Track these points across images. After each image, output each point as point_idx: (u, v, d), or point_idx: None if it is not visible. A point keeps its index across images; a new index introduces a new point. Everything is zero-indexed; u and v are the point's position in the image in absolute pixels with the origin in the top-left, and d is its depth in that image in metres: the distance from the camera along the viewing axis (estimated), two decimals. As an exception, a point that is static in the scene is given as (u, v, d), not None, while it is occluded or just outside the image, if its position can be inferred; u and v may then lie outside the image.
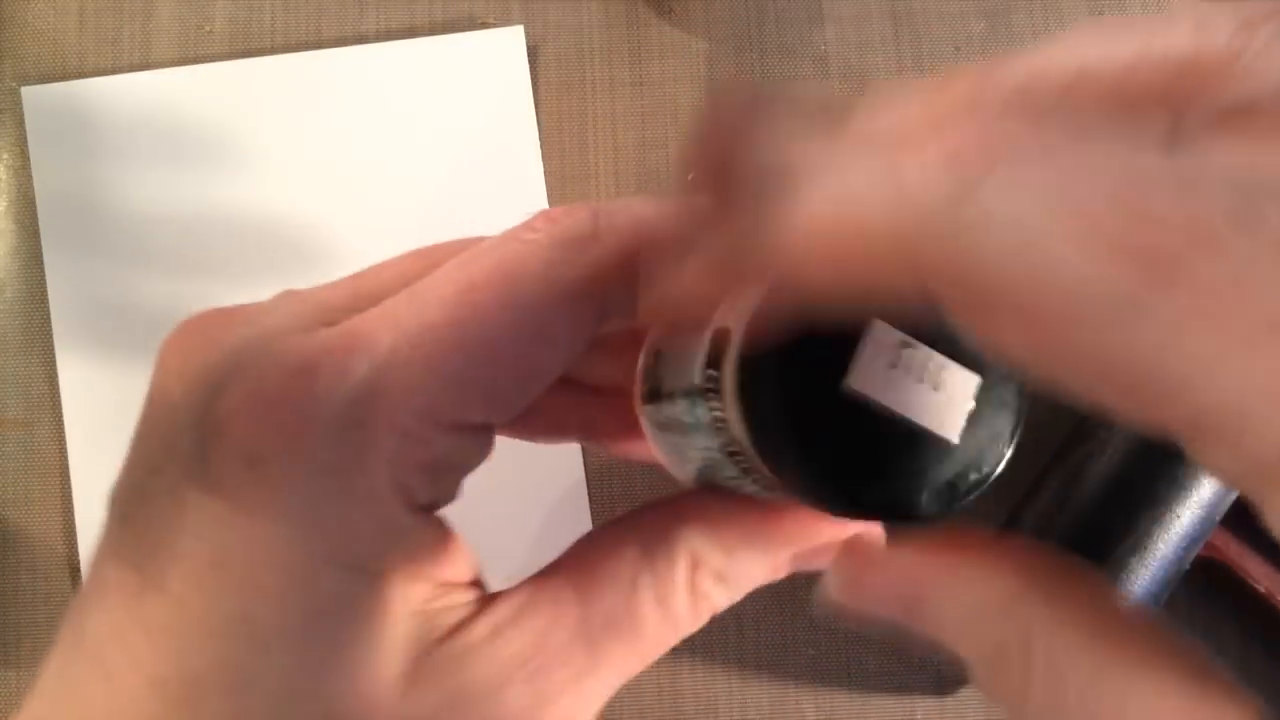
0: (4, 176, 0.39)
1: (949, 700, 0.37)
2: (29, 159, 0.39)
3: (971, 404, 0.16)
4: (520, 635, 0.18)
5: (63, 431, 0.38)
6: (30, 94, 0.39)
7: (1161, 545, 0.32)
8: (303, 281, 0.21)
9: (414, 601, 0.18)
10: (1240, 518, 0.34)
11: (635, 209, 0.18)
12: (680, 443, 0.19)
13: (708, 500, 0.19)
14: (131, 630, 0.17)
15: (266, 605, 0.17)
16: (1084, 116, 0.12)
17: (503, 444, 0.20)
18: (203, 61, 0.39)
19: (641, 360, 0.20)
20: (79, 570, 0.37)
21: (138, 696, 0.17)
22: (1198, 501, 0.32)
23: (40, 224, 0.38)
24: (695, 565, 0.19)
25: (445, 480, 0.18)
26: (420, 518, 0.18)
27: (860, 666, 0.37)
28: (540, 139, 0.39)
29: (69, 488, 0.37)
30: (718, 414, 0.17)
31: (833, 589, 0.17)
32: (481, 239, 0.19)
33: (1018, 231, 0.10)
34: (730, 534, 0.19)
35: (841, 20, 0.40)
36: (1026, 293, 0.10)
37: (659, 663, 0.38)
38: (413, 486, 0.17)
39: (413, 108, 0.39)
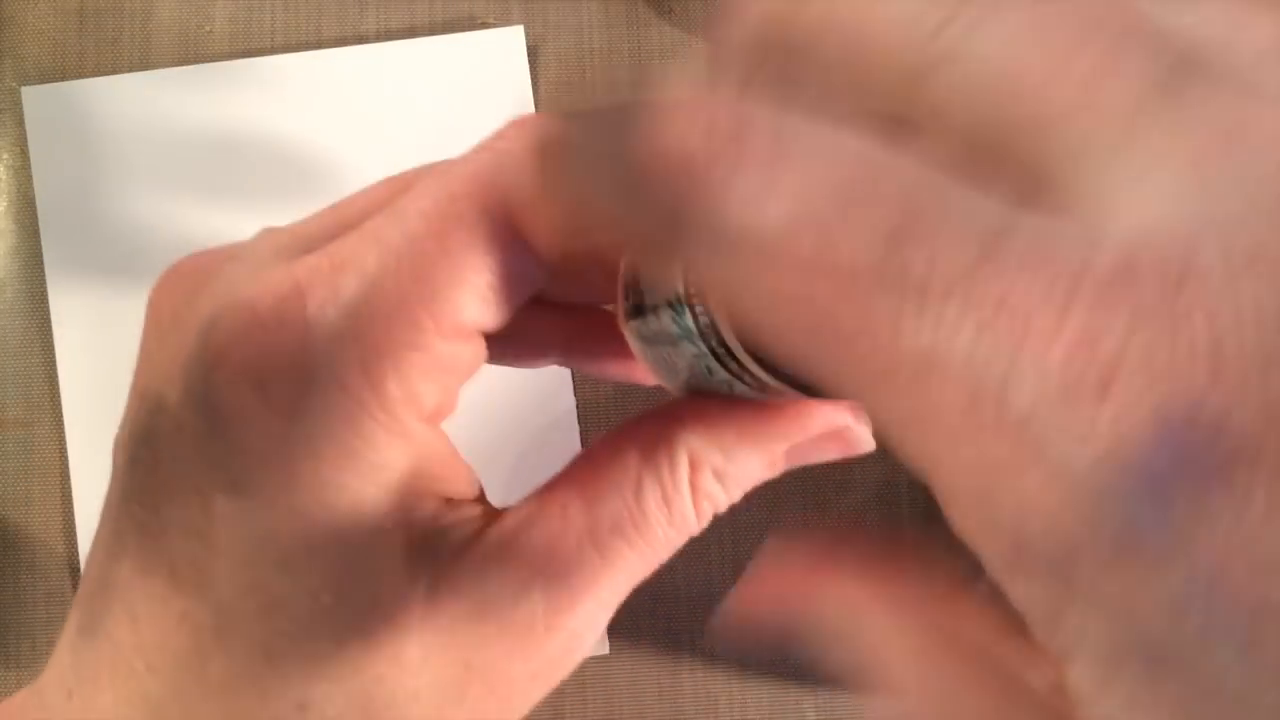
0: (4, 176, 0.39)
1: (949, 700, 0.37)
2: (29, 159, 0.39)
3: None
4: (532, 543, 0.18)
5: (63, 431, 0.38)
6: (30, 94, 0.39)
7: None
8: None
9: (428, 520, 0.18)
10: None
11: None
12: (668, 354, 0.19)
13: (703, 404, 0.20)
14: (154, 569, 0.18)
15: (285, 523, 0.17)
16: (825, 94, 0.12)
17: (493, 375, 0.20)
18: (203, 61, 0.39)
19: (621, 275, 0.21)
20: (79, 570, 0.37)
21: (166, 632, 0.17)
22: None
23: (40, 224, 0.38)
24: (695, 466, 0.19)
25: (447, 387, 0.18)
26: (428, 425, 0.18)
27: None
28: (540, 139, 0.39)
29: (69, 488, 0.37)
30: (704, 319, 0.17)
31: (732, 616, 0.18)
32: (449, 161, 0.19)
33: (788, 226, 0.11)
34: (727, 433, 0.19)
35: (841, 20, 0.40)
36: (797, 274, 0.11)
37: (659, 663, 0.38)
38: (418, 393, 0.17)
39: (413, 108, 0.39)
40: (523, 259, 0.18)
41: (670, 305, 0.18)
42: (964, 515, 0.11)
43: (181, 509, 0.18)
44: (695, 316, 0.17)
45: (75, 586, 0.37)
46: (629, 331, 0.21)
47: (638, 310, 0.20)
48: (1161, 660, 0.10)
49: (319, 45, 0.40)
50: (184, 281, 0.20)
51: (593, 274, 0.21)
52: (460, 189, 0.18)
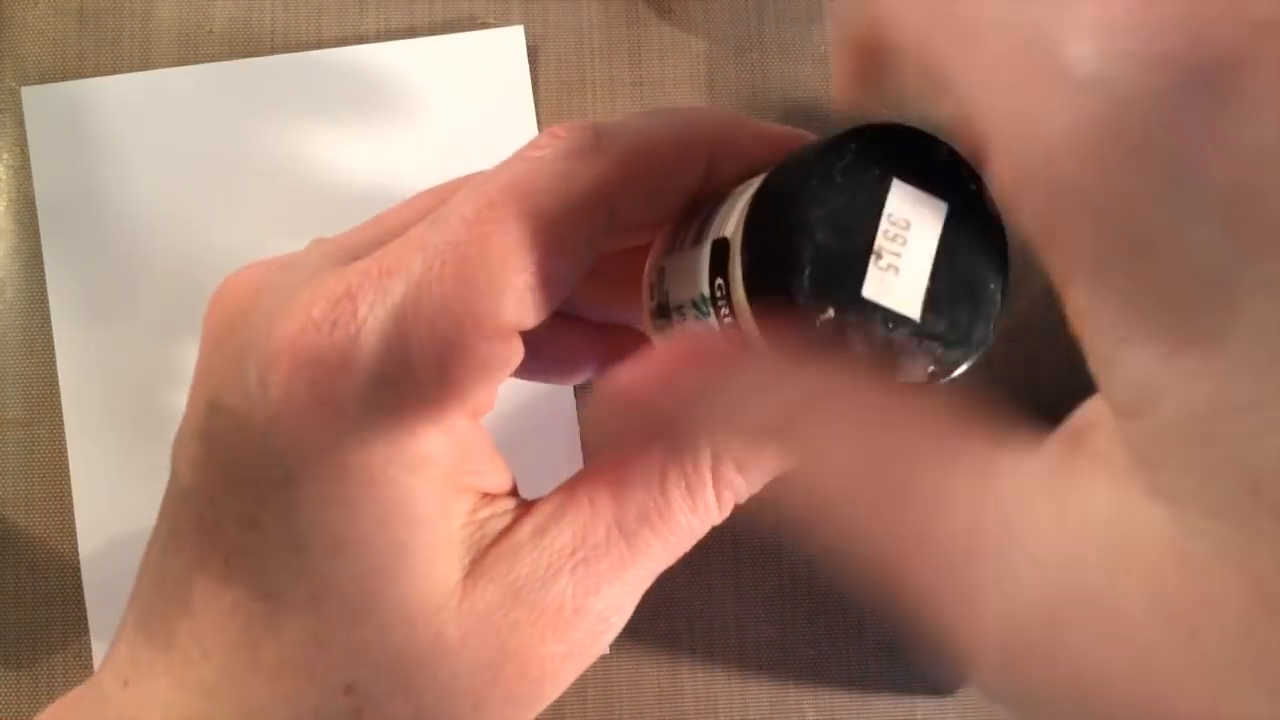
0: (4, 176, 0.39)
1: (949, 700, 0.37)
2: (29, 159, 0.39)
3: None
4: (562, 532, 0.19)
5: (63, 431, 0.38)
6: (30, 94, 0.39)
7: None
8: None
9: (465, 512, 0.19)
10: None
11: (635, 123, 0.20)
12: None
13: None
14: (209, 560, 0.19)
15: (336, 513, 0.18)
16: None
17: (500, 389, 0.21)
18: (203, 61, 0.39)
19: (646, 277, 0.22)
20: (79, 570, 0.37)
21: (220, 619, 0.18)
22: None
23: (40, 224, 0.38)
24: (718, 457, 0.20)
25: (488, 384, 0.19)
26: (470, 421, 0.19)
27: (860, 666, 0.37)
28: (540, 139, 0.39)
29: (69, 488, 0.37)
30: (728, 320, 0.18)
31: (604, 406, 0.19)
32: (486, 171, 0.20)
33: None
34: None
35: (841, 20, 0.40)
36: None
37: (659, 663, 0.38)
38: (462, 391, 0.18)
39: (413, 108, 0.39)
40: (557, 261, 0.19)
41: (694, 304, 0.19)
42: (1002, 154, 0.13)
43: (238, 502, 0.18)
44: (719, 314, 0.18)
45: (75, 586, 0.37)
46: (652, 330, 0.21)
47: (662, 310, 0.21)
48: (1147, 246, 0.11)
49: (319, 45, 0.40)
50: (237, 293, 0.21)
51: (622, 280, 0.23)
52: (499, 196, 0.19)
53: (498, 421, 0.29)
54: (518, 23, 0.40)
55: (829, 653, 0.37)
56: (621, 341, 0.26)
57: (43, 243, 0.38)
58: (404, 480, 0.18)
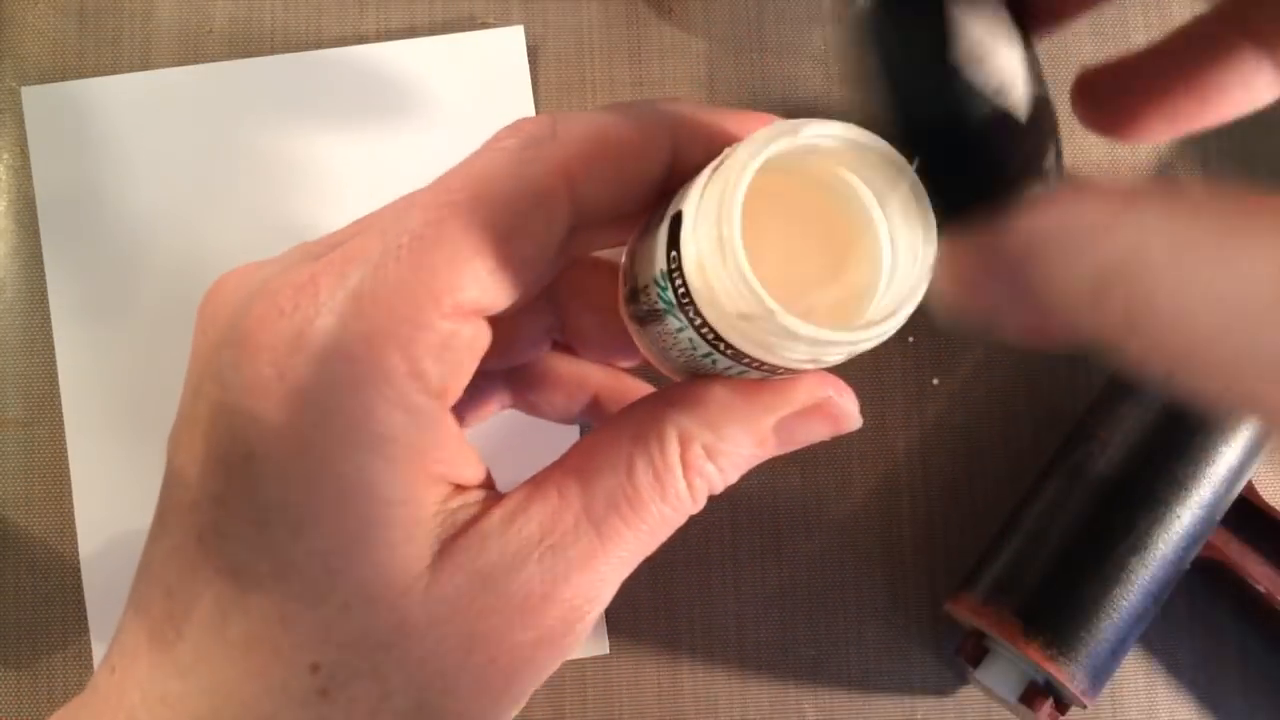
0: (4, 176, 0.39)
1: (949, 700, 0.37)
2: (29, 159, 0.39)
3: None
4: (530, 520, 0.19)
5: (63, 431, 0.37)
6: (30, 94, 0.39)
7: (1161, 545, 0.32)
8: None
9: (434, 500, 0.19)
10: (1240, 518, 0.34)
11: (593, 112, 0.20)
12: (660, 333, 0.20)
13: (691, 387, 0.21)
14: (185, 541, 0.19)
15: (296, 489, 0.18)
16: None
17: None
18: (203, 61, 0.39)
19: (621, 266, 0.22)
20: (79, 570, 0.37)
21: (193, 598, 0.19)
22: (1198, 501, 0.32)
23: (40, 224, 0.38)
24: (685, 443, 0.20)
25: (453, 365, 0.19)
26: (433, 403, 0.19)
27: (860, 666, 0.37)
28: (540, 139, 0.39)
29: (69, 488, 0.37)
30: (682, 290, 0.18)
31: (948, 292, 0.18)
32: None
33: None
34: (714, 410, 0.20)
35: (842, 20, 0.40)
36: None
37: (659, 662, 0.38)
38: (423, 369, 0.19)
39: (413, 108, 0.39)
40: (519, 243, 0.19)
41: (655, 281, 0.19)
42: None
43: (211, 480, 0.19)
44: (675, 289, 0.18)
45: (75, 586, 0.37)
46: (627, 317, 0.22)
47: (632, 295, 0.21)
48: None
49: (319, 45, 0.40)
50: (223, 288, 0.21)
51: (617, 316, 0.23)
52: (456, 184, 0.19)
53: (500, 427, 0.30)
54: (518, 23, 0.40)
55: (829, 653, 0.37)
56: (621, 384, 0.26)
57: (43, 243, 0.38)
58: (362, 458, 0.18)
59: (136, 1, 0.40)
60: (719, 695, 0.37)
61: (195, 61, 0.39)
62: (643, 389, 0.27)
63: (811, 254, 0.20)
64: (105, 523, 0.37)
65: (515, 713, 0.20)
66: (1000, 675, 0.33)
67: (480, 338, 0.20)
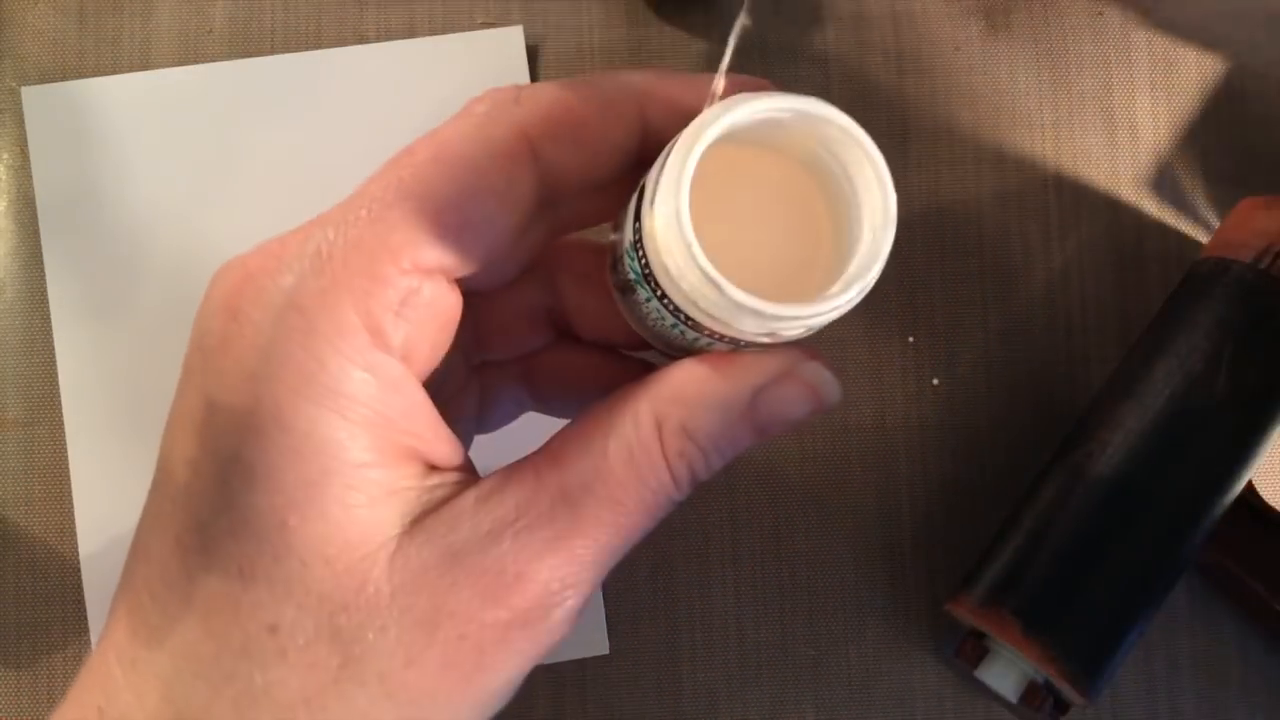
0: (4, 176, 0.39)
1: (949, 700, 0.37)
2: (29, 159, 0.39)
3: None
4: (504, 501, 0.19)
5: (63, 431, 0.38)
6: (30, 94, 0.39)
7: (1161, 545, 0.32)
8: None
9: (407, 474, 0.19)
10: (1240, 518, 0.34)
11: (558, 82, 0.21)
12: (634, 303, 0.20)
13: (666, 367, 0.21)
14: (161, 500, 0.19)
15: (250, 441, 0.18)
16: None
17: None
18: (203, 61, 0.39)
19: (609, 238, 0.22)
20: (79, 570, 0.37)
21: (165, 558, 0.19)
22: (1198, 501, 0.32)
23: (40, 224, 0.38)
24: (661, 421, 0.20)
25: (416, 324, 0.19)
26: (394, 363, 0.19)
27: (860, 666, 0.37)
28: (540, 139, 0.39)
29: (69, 488, 0.37)
30: (644, 262, 0.18)
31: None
32: None
33: None
34: (686, 385, 0.20)
35: (841, 20, 0.40)
36: None
37: (659, 661, 0.38)
38: (379, 323, 0.19)
39: (413, 108, 0.39)
40: (481, 203, 0.19)
41: (627, 252, 0.19)
42: None
43: (183, 441, 0.19)
44: (639, 261, 0.19)
45: (75, 586, 0.37)
46: (611, 287, 0.22)
47: (613, 263, 0.21)
48: None
49: (319, 45, 0.40)
50: (222, 269, 0.21)
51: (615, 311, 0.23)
52: (419, 146, 0.20)
53: (502, 435, 0.29)
54: (518, 23, 0.40)
55: (829, 653, 0.37)
56: (629, 372, 0.26)
57: (43, 243, 0.38)
58: (314, 411, 0.18)
59: (136, 1, 0.40)
60: (719, 695, 0.37)
61: (195, 61, 0.39)
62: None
63: (774, 227, 0.20)
64: (105, 523, 0.37)
65: (494, 705, 0.20)
66: (1000, 675, 0.33)
67: (444, 300, 0.20)
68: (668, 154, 0.18)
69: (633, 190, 0.20)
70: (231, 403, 0.18)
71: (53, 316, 0.38)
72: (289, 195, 0.39)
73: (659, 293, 0.18)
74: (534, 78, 0.39)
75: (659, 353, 0.23)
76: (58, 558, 0.37)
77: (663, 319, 0.19)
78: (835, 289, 0.18)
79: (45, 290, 0.38)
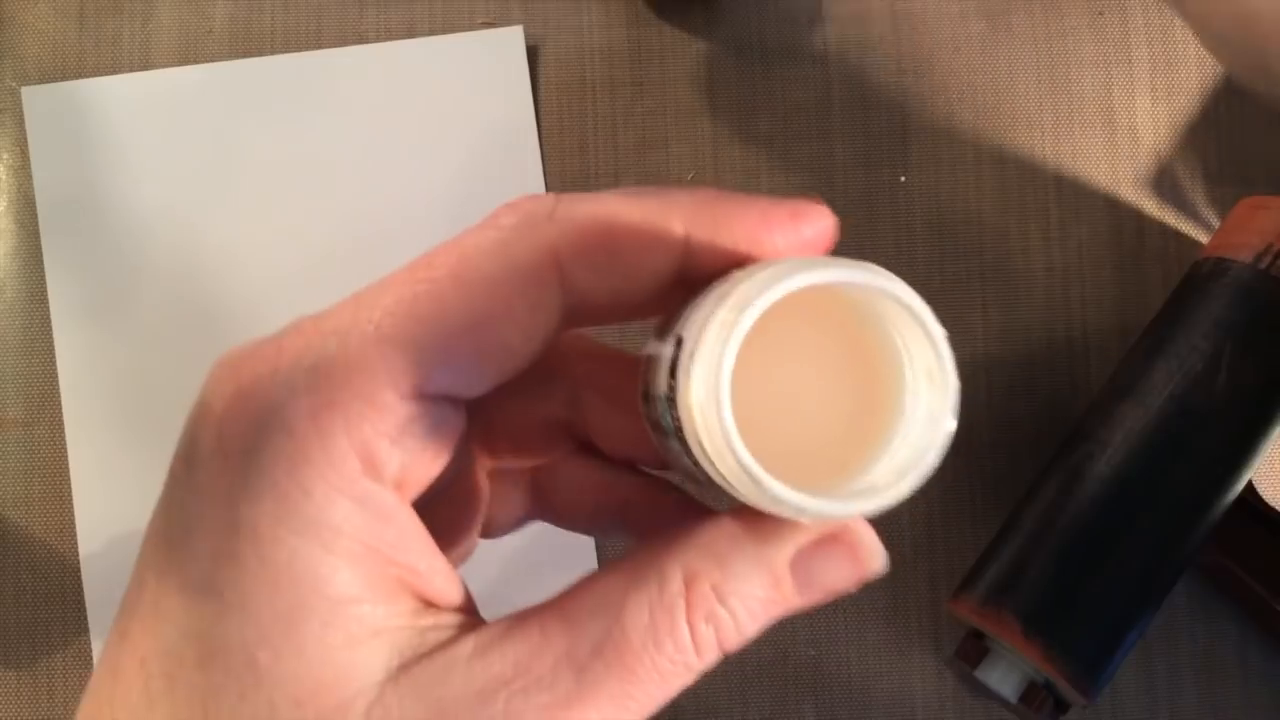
0: (4, 176, 0.39)
1: (949, 700, 0.37)
2: (29, 159, 0.39)
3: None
4: (504, 657, 0.17)
5: (63, 431, 0.38)
6: (30, 94, 0.39)
7: (1161, 545, 0.32)
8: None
9: (397, 612, 0.18)
10: (1240, 518, 0.34)
11: (599, 195, 0.19)
12: (667, 444, 0.19)
13: (697, 524, 0.19)
14: (134, 611, 0.18)
15: (225, 569, 0.17)
16: None
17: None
18: (203, 61, 0.39)
19: (640, 357, 0.21)
20: (79, 570, 0.37)
21: (130, 680, 0.17)
22: (1198, 501, 0.32)
23: (40, 224, 0.38)
24: (690, 581, 0.18)
25: (412, 452, 0.18)
26: (386, 493, 0.18)
27: (860, 666, 0.37)
28: (540, 139, 0.39)
29: (69, 488, 0.37)
30: (678, 424, 0.17)
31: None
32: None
33: None
34: (721, 543, 0.18)
35: (841, 20, 0.40)
36: None
37: (659, 663, 0.38)
38: (373, 450, 0.17)
39: (413, 108, 0.39)
40: (499, 326, 0.18)
41: (660, 399, 0.18)
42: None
43: (151, 548, 0.18)
44: (673, 417, 0.17)
45: (75, 586, 0.37)
46: (642, 415, 0.20)
47: (645, 395, 0.20)
48: None
49: (319, 45, 0.40)
50: (216, 369, 0.20)
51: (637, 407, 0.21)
52: (439, 260, 0.18)
53: (511, 544, 0.28)
54: (518, 23, 0.40)
55: (829, 653, 0.37)
56: (652, 491, 0.24)
57: (43, 243, 0.38)
58: (296, 543, 0.17)
59: (136, 1, 0.40)
60: (719, 695, 0.37)
61: (195, 61, 0.39)
62: (675, 499, 0.24)
63: (823, 396, 0.18)
64: (105, 523, 0.37)
65: None
66: (1000, 675, 0.33)
67: (448, 424, 0.18)
68: (709, 310, 0.17)
69: (666, 320, 0.19)
70: (206, 527, 0.17)
71: (53, 316, 0.38)
72: (289, 195, 0.39)
73: (695, 455, 0.17)
74: (534, 78, 0.39)
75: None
76: (58, 558, 0.37)
77: (698, 472, 0.18)
78: (885, 479, 0.17)
79: (45, 290, 0.38)
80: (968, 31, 0.40)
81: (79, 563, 0.37)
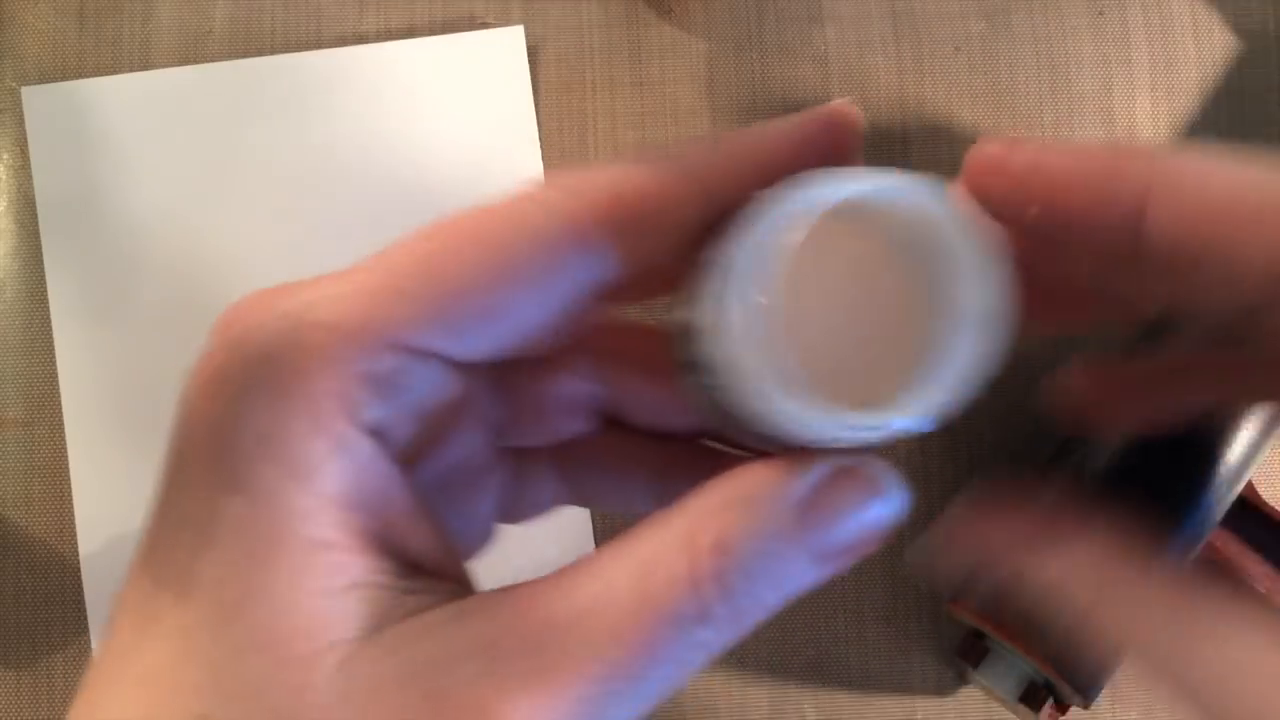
0: (4, 176, 0.39)
1: (949, 700, 0.37)
2: (29, 159, 0.39)
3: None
4: (484, 620, 0.16)
5: (63, 431, 0.38)
6: (30, 94, 0.39)
7: (1161, 545, 0.32)
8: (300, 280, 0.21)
9: (379, 569, 0.17)
10: (1240, 518, 0.34)
11: (614, 170, 0.18)
12: (694, 384, 0.19)
13: (701, 488, 0.18)
14: (136, 556, 0.18)
15: (204, 500, 0.17)
16: None
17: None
18: (203, 61, 0.39)
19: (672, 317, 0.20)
20: (79, 570, 0.37)
21: (120, 621, 0.17)
22: (1197, 502, 0.32)
23: (40, 224, 0.38)
24: (692, 532, 0.17)
25: (396, 405, 0.18)
26: (366, 441, 0.17)
27: (860, 666, 0.37)
28: (540, 139, 0.39)
29: (69, 488, 0.37)
30: (704, 352, 0.17)
31: (931, 550, 0.18)
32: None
33: None
34: (725, 492, 0.17)
35: (841, 20, 0.40)
36: None
37: (659, 663, 0.38)
38: (354, 395, 0.17)
39: (413, 108, 0.39)
40: (506, 290, 0.18)
41: (689, 331, 0.18)
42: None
43: (158, 489, 0.18)
44: (700, 346, 0.17)
45: (75, 586, 0.37)
46: (675, 364, 0.20)
47: (675, 340, 0.19)
48: None
49: (319, 45, 0.40)
50: (232, 305, 0.20)
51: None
52: (450, 220, 0.18)
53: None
54: (518, 23, 0.40)
55: (829, 653, 0.37)
56: (685, 457, 0.23)
57: (43, 243, 0.38)
58: (273, 475, 0.16)
59: (136, 1, 0.40)
60: (719, 695, 0.37)
61: (195, 61, 0.39)
62: (710, 464, 0.22)
63: (859, 313, 0.18)
64: (105, 523, 0.37)
65: None
66: (1000, 675, 0.33)
67: (440, 384, 0.18)
68: (738, 234, 0.16)
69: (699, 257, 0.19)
70: (193, 457, 0.17)
71: (53, 316, 0.38)
72: (289, 195, 0.39)
73: (720, 383, 0.17)
74: (534, 78, 0.39)
75: (715, 438, 0.21)
76: (58, 558, 0.37)
77: (720, 406, 0.18)
78: (921, 398, 0.16)
79: (45, 290, 0.38)
80: (968, 31, 0.40)
81: (79, 563, 0.37)
